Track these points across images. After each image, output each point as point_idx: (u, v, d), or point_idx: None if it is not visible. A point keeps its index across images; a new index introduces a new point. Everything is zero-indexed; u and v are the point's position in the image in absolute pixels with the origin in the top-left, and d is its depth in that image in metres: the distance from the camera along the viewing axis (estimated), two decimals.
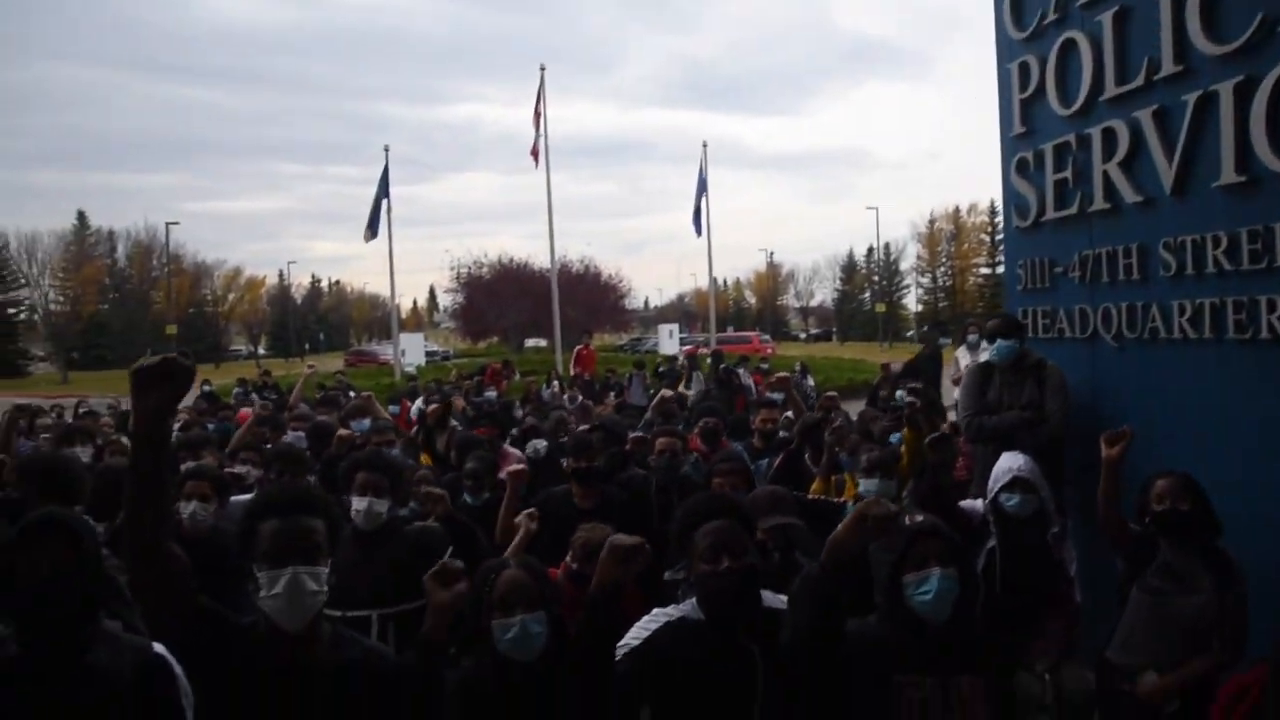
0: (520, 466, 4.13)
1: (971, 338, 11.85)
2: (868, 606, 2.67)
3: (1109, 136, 4.70)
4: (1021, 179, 5.46)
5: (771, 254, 72.71)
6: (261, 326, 70.62)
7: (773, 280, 75.40)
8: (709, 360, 15.91)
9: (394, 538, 3.79)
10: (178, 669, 2.50)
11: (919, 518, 2.59)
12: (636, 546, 2.26)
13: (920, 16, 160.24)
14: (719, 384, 12.36)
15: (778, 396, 8.09)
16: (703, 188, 22.56)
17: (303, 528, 2.16)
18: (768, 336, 46.28)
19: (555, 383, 15.78)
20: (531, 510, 4.01)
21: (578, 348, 18.24)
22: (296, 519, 2.16)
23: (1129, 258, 4.64)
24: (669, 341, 38.26)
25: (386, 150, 21.28)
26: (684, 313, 79.93)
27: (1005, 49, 5.58)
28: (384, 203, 20.58)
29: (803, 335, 77.79)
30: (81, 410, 13.62)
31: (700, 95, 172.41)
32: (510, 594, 2.44)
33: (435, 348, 46.47)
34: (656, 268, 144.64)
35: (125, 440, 6.79)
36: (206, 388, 17.40)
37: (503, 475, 4.47)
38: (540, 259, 42.99)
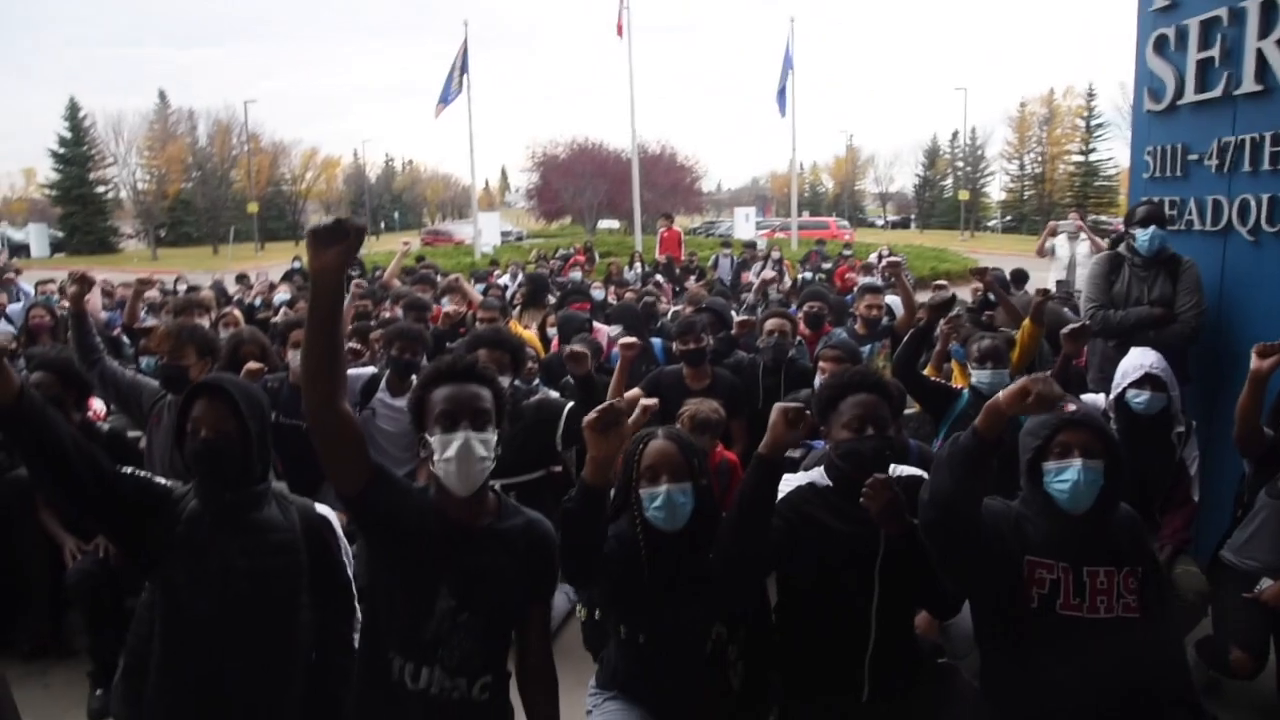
0: (633, 339, 4.19)
1: (1067, 225, 11.35)
2: (1011, 488, 2.69)
3: (1269, 9, 4.34)
4: (1159, 58, 5.11)
5: (851, 137, 70.21)
6: (338, 206, 71.49)
7: (851, 165, 73.01)
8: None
9: (514, 411, 3.89)
10: (339, 527, 2.67)
11: (1070, 407, 2.56)
12: (801, 409, 2.32)
13: None
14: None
15: (874, 280, 7.98)
16: (788, 65, 21.60)
17: (473, 394, 2.24)
18: (845, 222, 45.11)
19: (638, 265, 15.72)
20: (637, 391, 4.06)
21: (660, 230, 18.03)
22: (467, 386, 2.24)
23: (1277, 145, 4.36)
24: (745, 225, 37.75)
25: (465, 26, 20.54)
26: (758, 196, 78.25)
27: None
28: (463, 79, 20.20)
29: (879, 222, 75.72)
30: (182, 286, 14.16)
31: None
32: (658, 463, 2.51)
33: (509, 228, 46.62)
34: (730, 148, 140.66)
35: (237, 313, 7.06)
36: (296, 264, 17.81)
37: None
38: (616, 140, 42.55)
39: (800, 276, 15.28)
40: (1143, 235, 4.71)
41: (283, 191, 61.77)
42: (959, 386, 4.44)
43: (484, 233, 32.39)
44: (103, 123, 48.87)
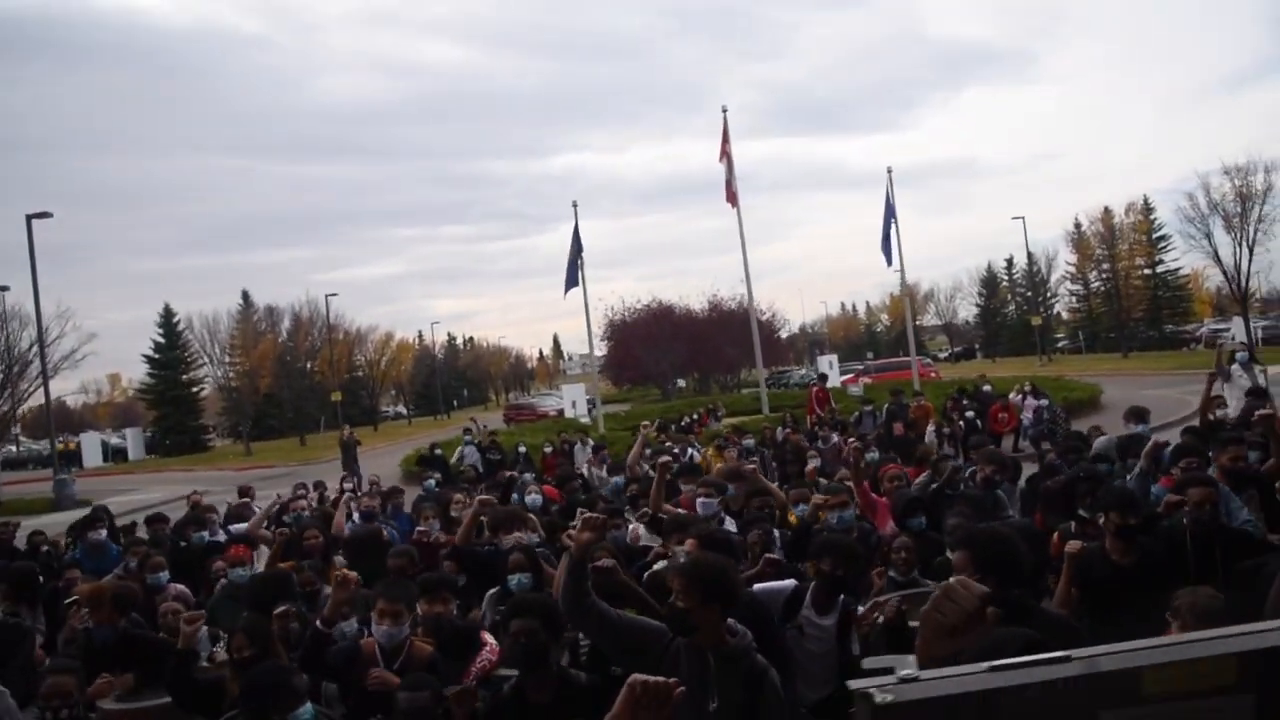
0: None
1: (1241, 355, 11.04)
2: None
3: None
4: None
5: (903, 273, 70.34)
6: (408, 387, 73.22)
7: (910, 300, 73.21)
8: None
9: None
10: None
11: None
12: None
13: (1017, 15, 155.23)
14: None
15: (1136, 429, 7.66)
16: (890, 214, 21.94)
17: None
18: (930, 360, 44.80)
19: (791, 426, 15.53)
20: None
21: (813, 387, 18.00)
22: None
23: None
24: (830, 372, 37.73)
25: (575, 206, 21.52)
26: (812, 341, 78.61)
27: None
28: (579, 258, 20.80)
29: (943, 354, 75.25)
30: (347, 485, 13.88)
31: (798, 120, 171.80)
32: None
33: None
34: (770, 298, 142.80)
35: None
36: (437, 450, 17.81)
37: None
38: (688, 300, 43.58)
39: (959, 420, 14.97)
40: None
41: (358, 378, 63.42)
42: None
43: (577, 404, 32.93)
44: (198, 325, 51.13)
